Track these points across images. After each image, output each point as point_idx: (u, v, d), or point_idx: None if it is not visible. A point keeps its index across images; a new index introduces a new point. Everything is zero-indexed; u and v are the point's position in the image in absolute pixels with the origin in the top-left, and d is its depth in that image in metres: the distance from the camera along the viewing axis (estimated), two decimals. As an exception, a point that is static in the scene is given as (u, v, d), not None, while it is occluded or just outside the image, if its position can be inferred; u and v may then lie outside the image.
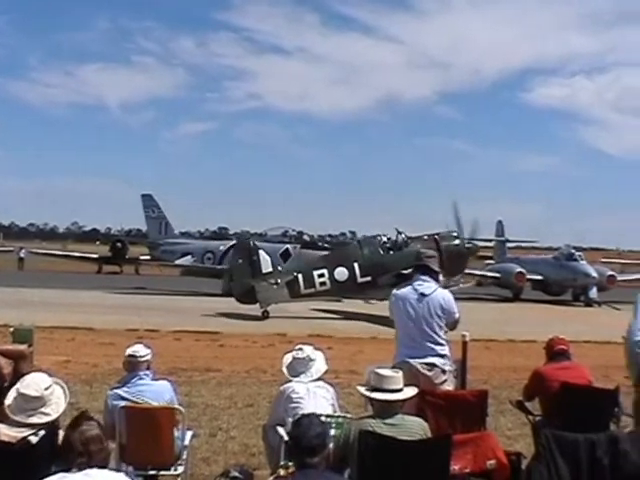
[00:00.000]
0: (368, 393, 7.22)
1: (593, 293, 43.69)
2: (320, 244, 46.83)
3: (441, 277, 10.26)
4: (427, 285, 9.66)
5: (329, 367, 8.76)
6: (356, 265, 31.32)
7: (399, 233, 33.47)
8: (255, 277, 30.95)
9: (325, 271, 31.62)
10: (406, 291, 9.74)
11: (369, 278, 31.99)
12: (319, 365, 8.51)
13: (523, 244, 61.03)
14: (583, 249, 55.58)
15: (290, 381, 8.37)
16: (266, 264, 31.68)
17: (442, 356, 9.47)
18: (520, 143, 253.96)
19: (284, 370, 8.54)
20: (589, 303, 43.31)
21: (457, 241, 33.37)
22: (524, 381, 9.95)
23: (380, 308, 26.75)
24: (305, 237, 46.47)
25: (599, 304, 42.41)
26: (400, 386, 7.25)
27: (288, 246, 44.27)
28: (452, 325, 9.72)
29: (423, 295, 9.56)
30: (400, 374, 7.39)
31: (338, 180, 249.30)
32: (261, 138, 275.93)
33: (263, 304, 30.42)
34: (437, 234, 33.49)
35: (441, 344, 9.51)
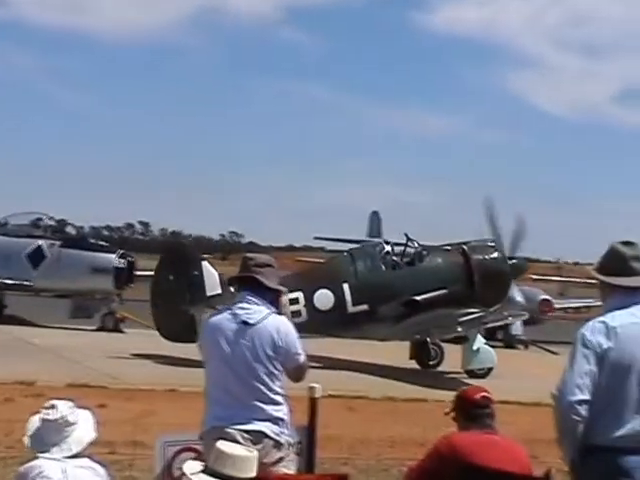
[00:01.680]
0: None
1: (517, 328, 32.03)
2: (93, 241, 35.47)
3: (284, 297, 7.44)
4: (254, 309, 6.73)
5: (99, 436, 6.26)
6: (346, 287, 22.96)
7: (409, 240, 24.89)
8: (195, 303, 21.88)
9: (300, 295, 22.88)
10: (221, 318, 6.80)
11: (366, 306, 23.32)
12: (82, 433, 6.10)
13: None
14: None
15: (37, 458, 6.02)
16: (212, 283, 22.69)
17: (276, 420, 6.65)
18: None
19: (27, 440, 6.09)
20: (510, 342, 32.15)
21: (496, 254, 24.62)
22: (407, 461, 7.83)
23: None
24: (69, 229, 33.30)
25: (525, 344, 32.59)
26: (254, 474, 5.72)
27: (41, 242, 32.55)
28: (295, 373, 6.88)
29: (246, 324, 6.67)
30: (255, 454, 5.82)
31: (124, 145, 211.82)
32: (6, 68, 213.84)
33: None
34: (465, 243, 24.93)
35: (274, 402, 6.66)
